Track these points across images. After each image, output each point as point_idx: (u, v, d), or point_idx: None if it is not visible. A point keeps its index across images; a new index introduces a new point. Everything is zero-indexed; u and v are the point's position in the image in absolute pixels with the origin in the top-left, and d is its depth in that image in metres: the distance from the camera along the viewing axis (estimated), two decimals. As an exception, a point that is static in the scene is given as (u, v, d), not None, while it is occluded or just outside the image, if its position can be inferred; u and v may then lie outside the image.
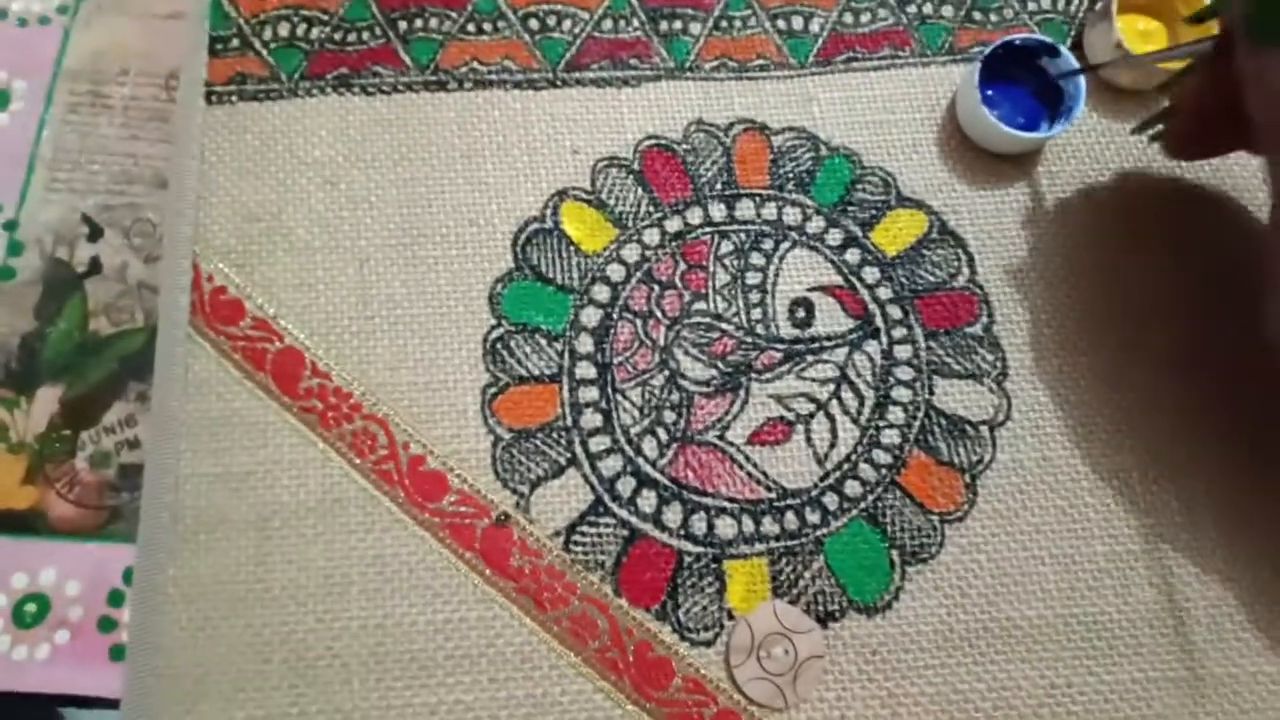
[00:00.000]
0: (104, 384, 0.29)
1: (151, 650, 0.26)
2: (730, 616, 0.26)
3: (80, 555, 0.28)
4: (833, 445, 0.27)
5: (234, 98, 0.30)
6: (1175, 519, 0.27)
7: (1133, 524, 0.27)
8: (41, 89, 0.31)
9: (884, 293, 0.29)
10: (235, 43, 0.30)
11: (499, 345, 0.28)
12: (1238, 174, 0.30)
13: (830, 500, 0.27)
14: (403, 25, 0.31)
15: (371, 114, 0.30)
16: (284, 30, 0.30)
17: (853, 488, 0.27)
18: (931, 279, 0.29)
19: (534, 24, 0.31)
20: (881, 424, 0.27)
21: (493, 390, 0.27)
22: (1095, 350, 0.28)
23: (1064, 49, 0.29)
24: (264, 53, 0.30)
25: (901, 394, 0.28)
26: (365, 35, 0.31)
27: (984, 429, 0.27)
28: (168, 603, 0.26)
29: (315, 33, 0.31)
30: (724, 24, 0.31)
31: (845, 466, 0.27)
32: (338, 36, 0.31)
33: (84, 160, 0.31)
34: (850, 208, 0.29)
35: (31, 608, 0.27)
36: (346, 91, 0.30)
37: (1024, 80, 0.30)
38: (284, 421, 0.27)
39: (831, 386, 0.28)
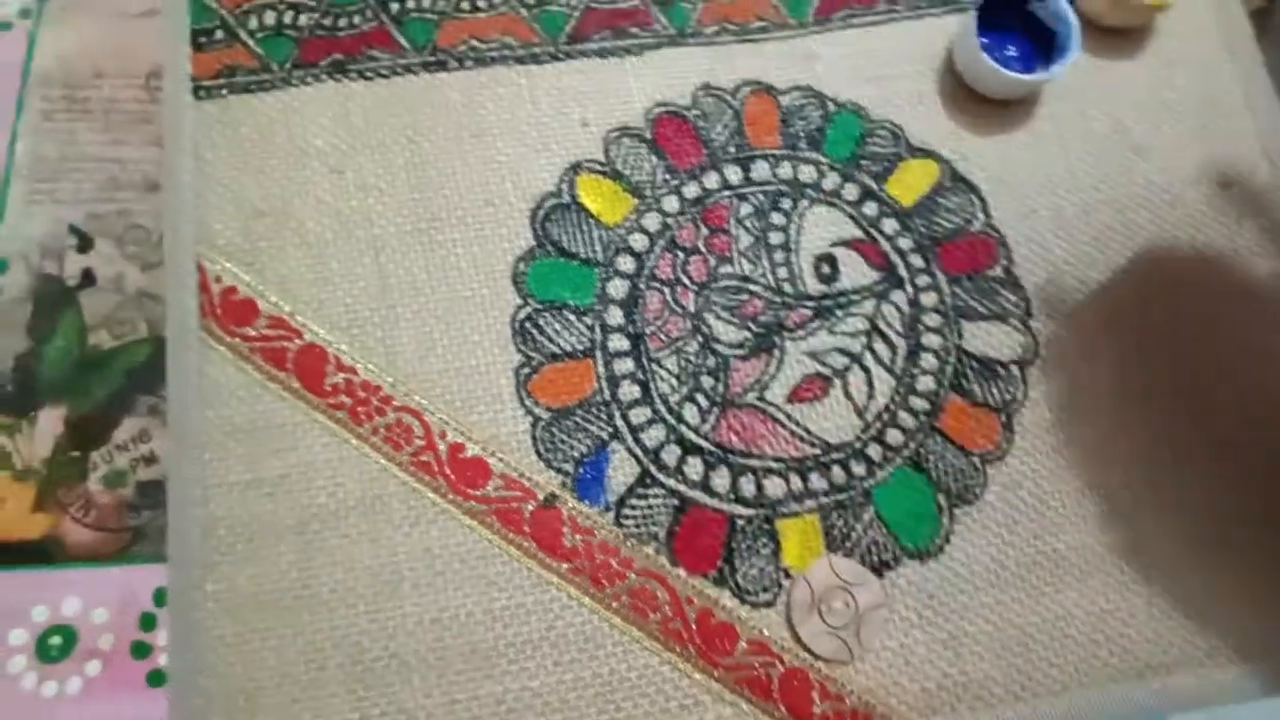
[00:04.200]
0: (111, 400, 0.27)
1: (194, 671, 0.24)
2: (787, 575, 0.25)
3: (104, 581, 0.26)
4: (871, 396, 0.27)
5: (224, 91, 0.28)
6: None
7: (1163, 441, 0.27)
8: (10, 97, 0.29)
9: (904, 243, 0.28)
10: (220, 35, 0.28)
11: (528, 324, 0.27)
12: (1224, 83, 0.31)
13: (874, 451, 0.26)
14: (395, 6, 0.29)
15: (372, 99, 0.28)
16: (270, 19, 0.29)
17: (894, 436, 0.26)
18: (949, 225, 0.29)
19: (529, -2, 0.30)
20: (915, 371, 0.27)
21: (526, 371, 0.26)
22: (1114, 280, 0.29)
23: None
24: (251, 43, 0.28)
25: (932, 340, 0.27)
26: (356, 19, 0.29)
27: (1014, 368, 0.27)
28: (208, 619, 0.24)
29: (303, 19, 0.29)
30: (720, -12, 0.30)
31: (885, 416, 0.26)
32: (327, 22, 0.29)
33: (65, 169, 0.29)
34: (863, 161, 0.29)
35: (57, 640, 0.25)
36: (343, 77, 0.28)
37: (1017, 25, 0.30)
38: (313, 421, 0.26)
39: (864, 338, 0.27)
